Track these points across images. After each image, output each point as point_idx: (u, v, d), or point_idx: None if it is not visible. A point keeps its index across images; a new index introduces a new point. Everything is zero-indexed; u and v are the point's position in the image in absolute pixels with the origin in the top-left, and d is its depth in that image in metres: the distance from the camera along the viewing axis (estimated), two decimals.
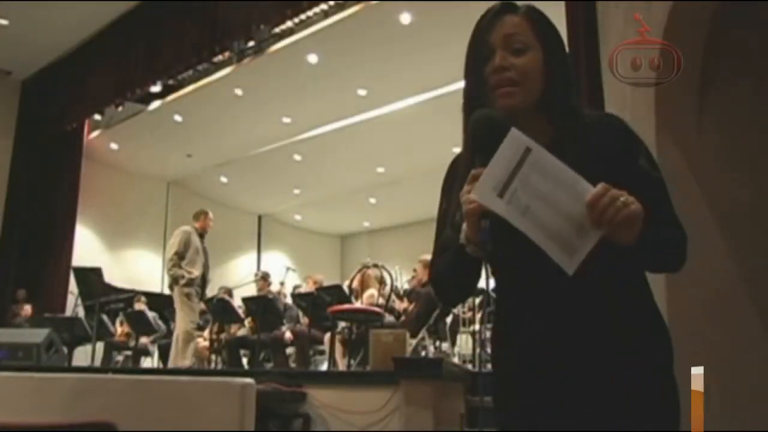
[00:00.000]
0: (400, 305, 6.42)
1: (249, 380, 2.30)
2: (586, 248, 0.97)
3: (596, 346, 1.06)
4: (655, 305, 1.14)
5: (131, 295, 7.62)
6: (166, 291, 10.11)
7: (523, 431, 1.10)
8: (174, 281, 5.82)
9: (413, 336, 5.40)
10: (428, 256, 5.92)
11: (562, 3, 4.52)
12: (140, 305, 7.46)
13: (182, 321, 5.74)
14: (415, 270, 7.59)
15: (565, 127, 1.14)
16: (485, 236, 0.98)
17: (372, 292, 6.01)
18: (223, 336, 6.86)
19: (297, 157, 10.51)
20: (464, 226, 1.04)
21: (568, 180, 0.98)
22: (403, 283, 7.35)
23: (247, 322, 6.90)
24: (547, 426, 1.07)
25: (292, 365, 6.18)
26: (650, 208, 1.00)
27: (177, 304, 5.83)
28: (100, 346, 7.20)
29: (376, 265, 6.17)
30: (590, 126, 1.14)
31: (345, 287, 6.23)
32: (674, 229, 1.09)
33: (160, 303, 7.69)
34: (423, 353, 5.74)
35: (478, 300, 6.00)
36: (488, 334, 7.11)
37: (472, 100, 1.15)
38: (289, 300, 7.06)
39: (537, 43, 1.13)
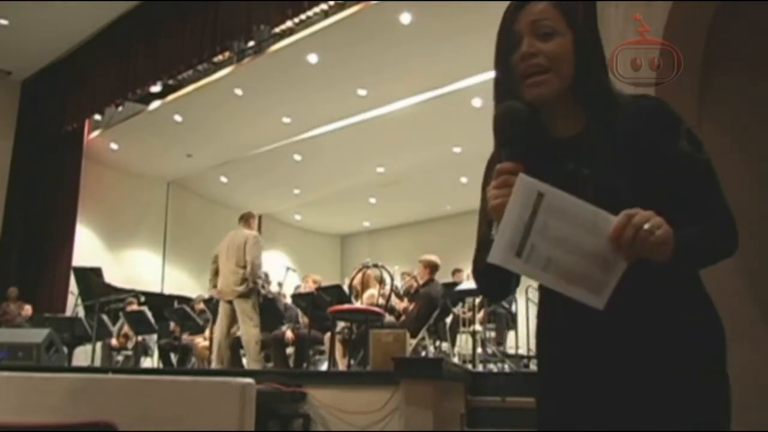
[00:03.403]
0: (400, 305, 6.42)
1: (249, 380, 2.30)
2: (613, 281, 0.94)
3: (643, 341, 1.02)
4: (708, 297, 1.09)
5: (131, 295, 7.62)
6: (166, 291, 10.18)
7: (569, 430, 1.07)
8: (257, 289, 5.72)
9: (413, 336, 5.40)
10: (429, 256, 5.92)
11: None
12: (132, 307, 7.43)
13: (255, 327, 5.65)
14: (403, 274, 7.60)
15: (598, 114, 1.10)
16: None
17: (372, 292, 6.00)
18: None
19: (297, 157, 10.52)
20: (494, 221, 1.01)
21: (587, 216, 0.93)
22: (402, 284, 7.35)
23: None
24: (594, 424, 1.04)
25: (292, 365, 6.17)
26: (690, 197, 0.98)
27: (247, 312, 5.65)
28: (100, 346, 7.20)
29: (376, 265, 6.17)
30: (625, 110, 1.09)
31: (345, 287, 6.22)
32: (720, 215, 1.04)
33: (159, 303, 7.69)
34: (423, 353, 5.74)
35: (478, 300, 6.01)
36: (488, 334, 7.12)
37: (502, 90, 1.11)
38: (289, 300, 7.05)
39: (566, 27, 1.09)
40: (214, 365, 5.77)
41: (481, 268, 1.16)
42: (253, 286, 5.70)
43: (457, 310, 6.18)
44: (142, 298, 7.77)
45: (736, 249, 1.05)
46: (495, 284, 1.19)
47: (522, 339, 6.05)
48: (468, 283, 6.51)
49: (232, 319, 5.77)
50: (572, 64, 1.08)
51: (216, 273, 5.92)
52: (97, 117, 9.88)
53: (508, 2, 1.16)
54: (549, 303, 1.14)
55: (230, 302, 5.74)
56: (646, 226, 0.91)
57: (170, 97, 9.20)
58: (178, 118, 9.52)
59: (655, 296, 1.02)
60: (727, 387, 1.04)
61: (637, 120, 1.07)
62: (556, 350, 1.12)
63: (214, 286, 5.97)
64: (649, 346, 1.02)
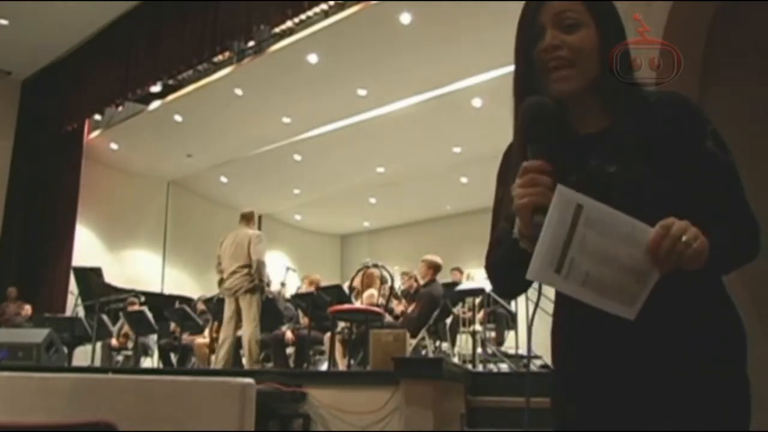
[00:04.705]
0: (398, 307, 6.42)
1: (249, 380, 2.30)
2: (646, 292, 0.93)
3: (662, 341, 1.01)
4: (728, 298, 1.07)
5: (131, 295, 7.62)
6: (166, 291, 10.18)
7: (588, 430, 1.05)
8: (262, 286, 5.73)
9: (413, 336, 5.40)
10: (432, 257, 5.93)
11: None
12: (132, 307, 7.43)
13: (257, 326, 5.64)
14: (402, 274, 7.60)
15: (622, 111, 1.07)
16: (538, 231, 0.93)
17: (372, 292, 6.00)
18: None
19: (297, 157, 10.52)
20: (517, 219, 0.99)
21: (625, 228, 0.92)
22: (401, 285, 7.35)
23: None
24: (612, 424, 1.03)
25: (292, 365, 6.17)
26: (713, 198, 0.98)
27: (252, 310, 5.63)
28: (100, 346, 7.20)
29: (376, 265, 6.17)
30: (651, 107, 1.07)
31: (345, 287, 6.22)
32: (743, 218, 1.03)
33: (160, 303, 7.68)
34: (423, 353, 5.74)
35: (478, 300, 6.01)
36: (488, 334, 7.10)
37: (523, 84, 1.09)
38: (289, 300, 7.05)
39: (590, 19, 1.06)
40: (220, 366, 5.73)
41: (496, 265, 1.14)
42: (260, 283, 5.71)
43: (457, 310, 6.18)
44: (143, 298, 7.78)
45: (758, 253, 1.03)
46: (508, 282, 1.17)
47: (522, 339, 6.05)
48: (468, 283, 6.51)
49: (239, 319, 5.76)
50: (597, 58, 1.06)
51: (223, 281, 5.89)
52: (97, 117, 9.88)
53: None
54: (565, 304, 1.12)
55: (236, 300, 5.74)
56: (683, 238, 0.89)
57: (170, 97, 9.20)
58: (178, 118, 9.52)
59: (676, 297, 1.01)
60: (746, 387, 1.03)
61: (664, 117, 1.05)
62: (573, 350, 1.10)
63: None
64: (668, 346, 1.01)
